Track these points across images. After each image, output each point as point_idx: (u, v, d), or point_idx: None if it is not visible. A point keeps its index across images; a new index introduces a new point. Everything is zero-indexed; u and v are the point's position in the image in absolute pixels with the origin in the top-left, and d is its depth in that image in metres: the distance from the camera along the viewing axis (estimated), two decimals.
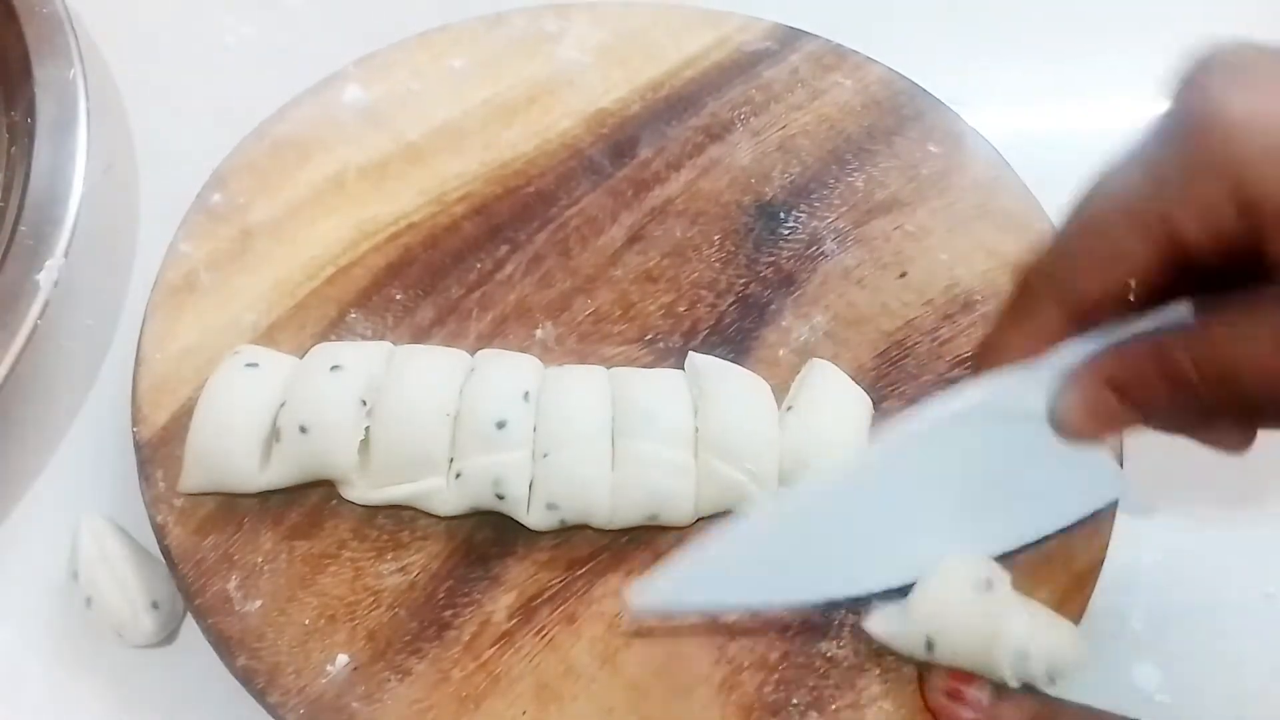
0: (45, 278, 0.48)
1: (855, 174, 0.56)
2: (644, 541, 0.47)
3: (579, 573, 0.46)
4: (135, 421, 0.47)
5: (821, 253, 0.54)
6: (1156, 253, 0.36)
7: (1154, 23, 0.64)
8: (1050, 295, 0.39)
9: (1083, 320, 0.38)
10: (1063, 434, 0.40)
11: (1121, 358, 0.38)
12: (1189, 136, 0.34)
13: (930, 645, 0.43)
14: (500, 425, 0.45)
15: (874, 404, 0.50)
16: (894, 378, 0.51)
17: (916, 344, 0.52)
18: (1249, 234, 0.34)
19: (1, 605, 0.49)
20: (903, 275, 0.54)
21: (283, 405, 0.45)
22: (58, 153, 0.51)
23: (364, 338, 0.50)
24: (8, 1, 0.54)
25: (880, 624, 0.44)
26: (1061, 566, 0.47)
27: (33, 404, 0.52)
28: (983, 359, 0.41)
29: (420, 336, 0.50)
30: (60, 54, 0.53)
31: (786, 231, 0.54)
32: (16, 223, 0.50)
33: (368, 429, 0.45)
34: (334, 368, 0.45)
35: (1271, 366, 0.34)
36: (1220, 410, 0.36)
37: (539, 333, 0.51)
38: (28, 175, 0.51)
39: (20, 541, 0.50)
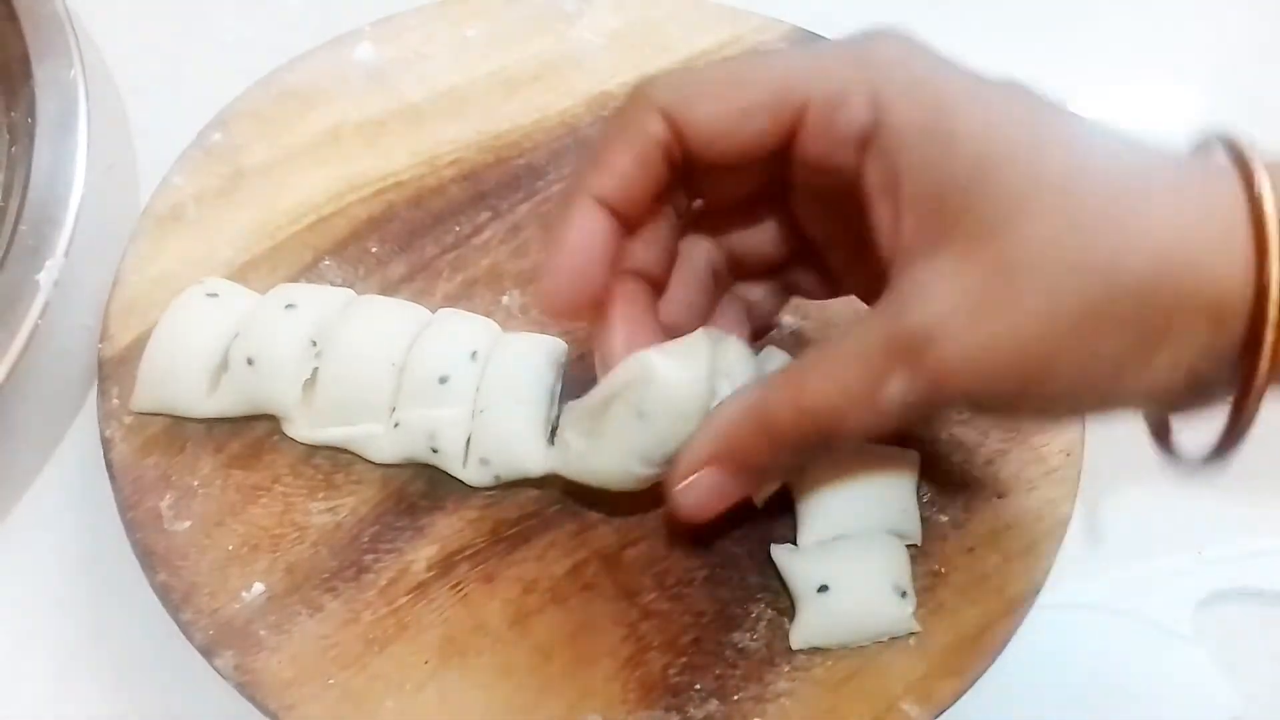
0: (45, 278, 0.48)
1: None
2: (573, 511, 0.47)
3: (504, 535, 0.47)
4: (102, 338, 0.49)
5: None
6: (777, 129, 0.36)
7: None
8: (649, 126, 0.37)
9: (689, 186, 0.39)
10: (682, 518, 0.40)
11: (727, 436, 0.38)
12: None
13: (823, 589, 0.44)
14: (443, 380, 0.46)
15: None
16: None
17: None
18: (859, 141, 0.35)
19: (1, 605, 0.49)
20: None
21: (236, 336, 0.46)
22: (58, 153, 0.51)
23: (333, 284, 0.51)
24: (8, 1, 0.54)
25: (786, 555, 0.45)
26: (996, 590, 0.46)
27: (33, 404, 0.52)
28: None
29: (389, 290, 0.51)
30: (60, 54, 0.53)
31: None
32: (17, 222, 0.50)
33: (316, 370, 0.46)
34: (288, 306, 0.46)
35: (852, 410, 0.34)
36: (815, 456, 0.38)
37: (505, 299, 0.52)
38: (28, 175, 0.51)
39: (20, 541, 0.50)
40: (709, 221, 0.42)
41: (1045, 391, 0.33)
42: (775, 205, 0.41)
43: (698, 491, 0.39)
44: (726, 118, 0.36)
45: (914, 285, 0.33)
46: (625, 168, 0.37)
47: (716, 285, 0.43)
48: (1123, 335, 0.31)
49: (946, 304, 0.32)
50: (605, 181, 0.37)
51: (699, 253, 0.43)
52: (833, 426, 0.35)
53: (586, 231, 0.37)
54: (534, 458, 0.45)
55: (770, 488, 0.46)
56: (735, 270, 0.44)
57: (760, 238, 0.43)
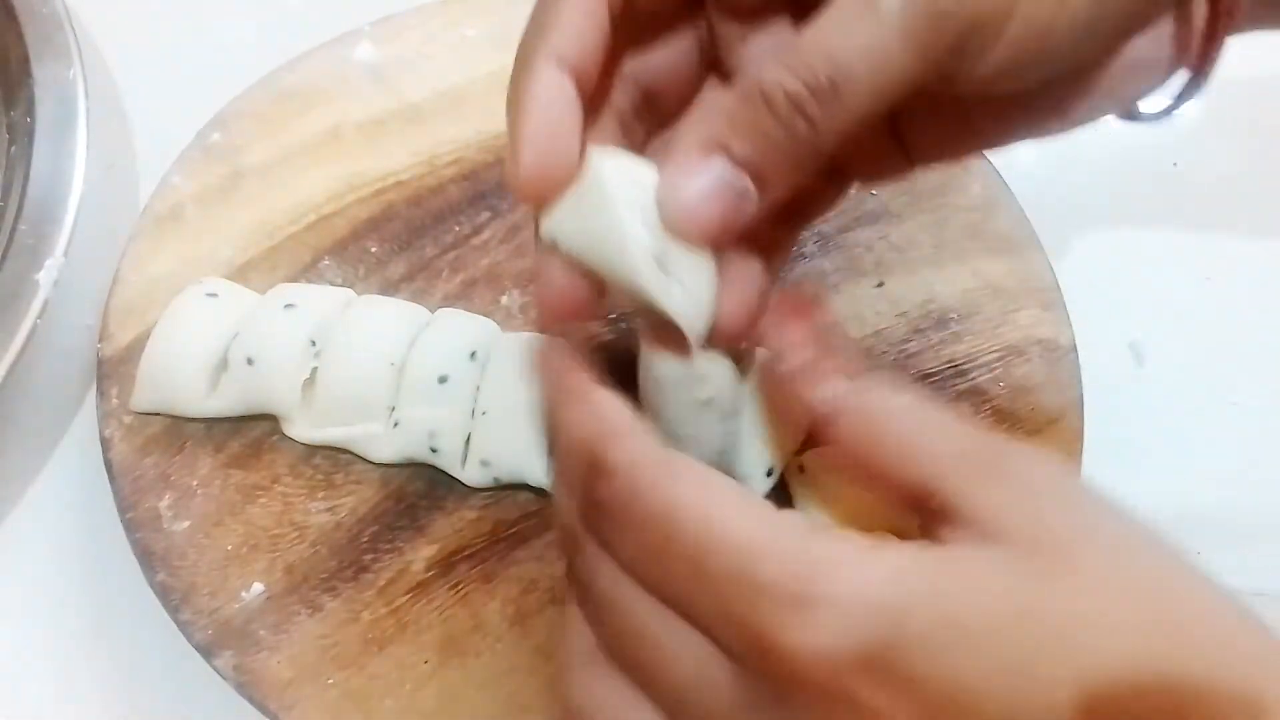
0: (45, 277, 0.49)
1: None
2: None
3: (503, 535, 0.47)
4: (101, 338, 0.49)
5: (801, 254, 0.54)
6: None
7: None
8: None
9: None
10: (685, 221, 0.31)
11: (727, 117, 0.30)
12: None
13: None
14: (442, 380, 0.46)
15: None
16: None
17: (882, 354, 0.52)
18: None
19: (1, 605, 0.49)
20: (880, 285, 0.53)
21: (235, 336, 0.46)
22: (57, 152, 0.51)
23: (333, 284, 0.51)
24: (7, 1, 0.54)
25: None
26: None
27: (32, 403, 0.52)
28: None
29: (388, 290, 0.51)
30: (60, 53, 0.53)
31: None
32: (16, 222, 0.50)
33: (315, 369, 0.46)
34: (288, 306, 0.47)
35: (855, 40, 0.29)
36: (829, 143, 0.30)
37: (505, 299, 0.52)
38: (27, 175, 0.51)
39: (20, 541, 0.50)
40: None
41: None
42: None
43: (702, 185, 0.30)
44: None
45: None
46: (576, 22, 0.32)
47: None
48: None
49: None
50: (560, 40, 0.32)
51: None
52: (841, 70, 0.29)
53: (554, 91, 0.32)
54: (535, 464, 0.46)
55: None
56: None
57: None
